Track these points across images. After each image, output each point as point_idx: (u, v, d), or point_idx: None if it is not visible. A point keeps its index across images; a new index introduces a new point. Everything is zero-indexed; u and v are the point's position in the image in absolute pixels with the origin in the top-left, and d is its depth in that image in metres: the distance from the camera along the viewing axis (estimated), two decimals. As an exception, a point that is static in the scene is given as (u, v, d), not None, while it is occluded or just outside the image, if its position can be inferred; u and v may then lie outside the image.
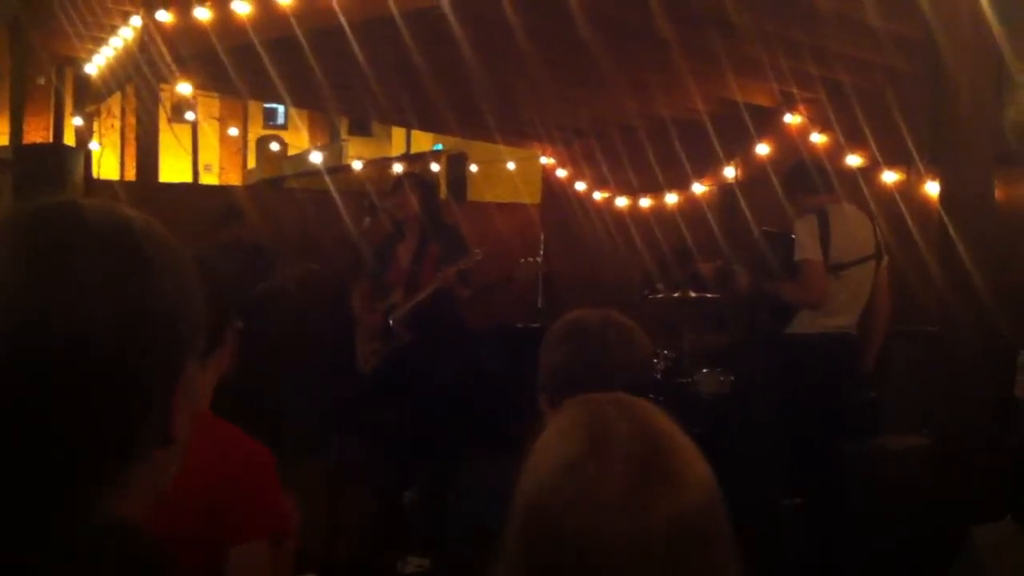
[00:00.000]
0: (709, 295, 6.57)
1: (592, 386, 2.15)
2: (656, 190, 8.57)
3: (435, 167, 16.11)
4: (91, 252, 0.92)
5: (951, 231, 3.89)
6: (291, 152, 31.23)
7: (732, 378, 6.16)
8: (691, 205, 8.31)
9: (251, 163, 32.33)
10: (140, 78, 6.99)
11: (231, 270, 2.25)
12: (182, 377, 0.98)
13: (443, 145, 17.60)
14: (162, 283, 0.95)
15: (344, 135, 30.46)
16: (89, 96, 8.64)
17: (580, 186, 9.53)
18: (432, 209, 5.90)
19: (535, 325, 8.06)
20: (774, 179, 6.07)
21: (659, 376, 6.40)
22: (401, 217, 5.82)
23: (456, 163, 16.55)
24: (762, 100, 7.42)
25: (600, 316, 2.43)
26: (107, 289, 0.90)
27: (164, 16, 6.54)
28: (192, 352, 1.00)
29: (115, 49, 7.46)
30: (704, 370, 6.21)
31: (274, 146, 27.77)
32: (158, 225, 1.01)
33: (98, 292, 0.90)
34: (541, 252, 9.09)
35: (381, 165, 17.26)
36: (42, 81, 13.53)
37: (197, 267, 1.04)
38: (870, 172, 6.63)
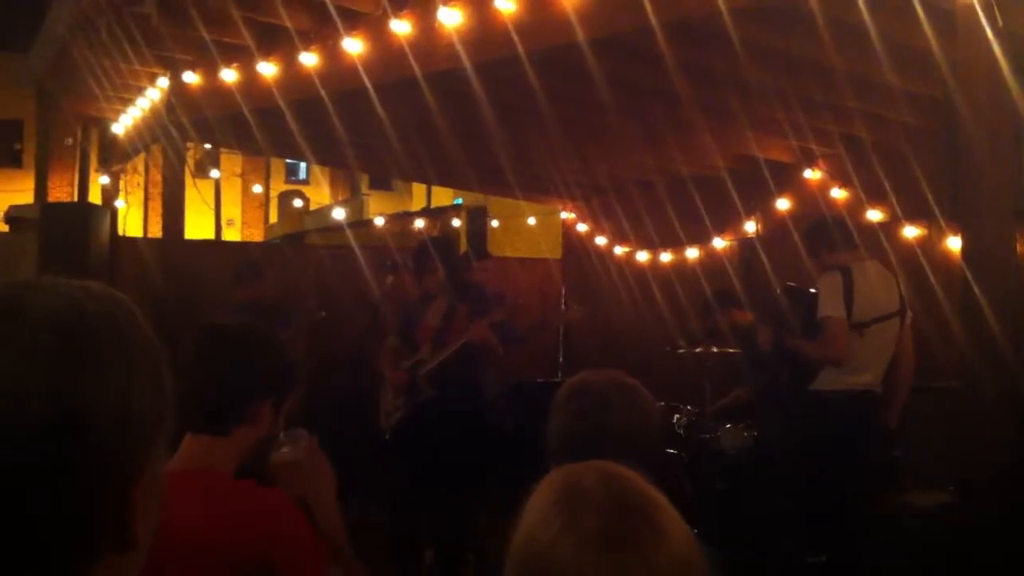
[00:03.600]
0: (731, 350, 6.56)
1: (592, 448, 2.16)
2: (676, 245, 8.59)
3: (456, 222, 16.19)
4: (21, 345, 0.86)
5: (973, 287, 3.87)
6: (312, 207, 31.47)
7: (755, 434, 6.13)
8: (712, 260, 8.33)
9: (273, 218, 32.59)
10: (167, 138, 7.09)
11: (275, 346, 2.34)
12: (141, 476, 0.91)
13: (463, 199, 17.70)
14: (106, 378, 0.88)
15: (365, 190, 30.67)
16: (115, 155, 8.75)
17: (600, 241, 9.56)
18: (456, 270, 5.97)
19: (555, 380, 8.07)
20: (795, 234, 6.09)
21: (681, 431, 6.39)
22: (431, 288, 5.90)
23: (476, 217, 16.62)
24: (781, 156, 7.45)
25: (601, 378, 2.41)
26: (36, 385, 0.84)
27: (191, 78, 6.65)
28: (152, 449, 0.93)
29: (142, 110, 7.57)
30: (727, 426, 6.19)
31: (297, 203, 27.98)
32: (123, 312, 0.95)
33: (26, 389, 0.84)
34: (563, 307, 9.13)
35: (403, 220, 17.38)
36: (69, 141, 13.75)
37: (167, 356, 0.97)
38: (891, 227, 6.64)
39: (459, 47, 5.01)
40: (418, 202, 23.44)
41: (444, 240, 7.71)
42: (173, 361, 0.99)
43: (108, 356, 0.90)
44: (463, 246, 15.35)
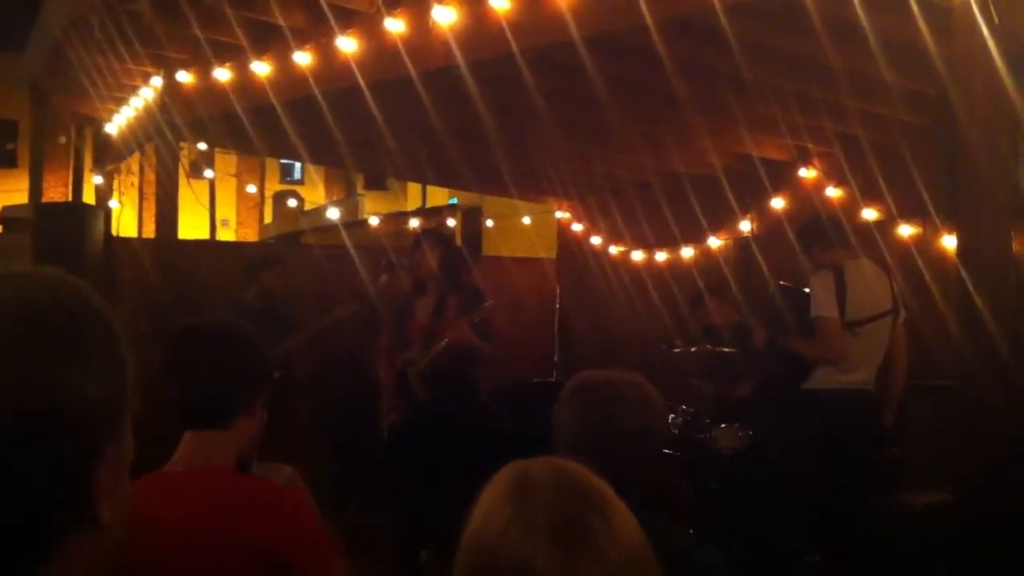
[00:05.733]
0: (726, 349, 6.55)
1: (597, 446, 2.14)
2: (672, 244, 8.58)
3: (451, 222, 16.17)
4: None
5: (969, 285, 3.87)
6: (307, 207, 31.43)
7: (750, 433, 6.12)
8: (707, 259, 8.31)
9: (268, 218, 32.55)
10: (160, 138, 7.07)
11: (262, 341, 2.42)
12: (102, 459, 0.92)
13: (458, 199, 17.69)
14: (63, 368, 0.89)
15: (360, 190, 30.62)
16: (109, 155, 8.72)
17: (596, 240, 9.55)
18: (451, 265, 5.94)
19: (550, 379, 8.05)
20: (790, 233, 6.08)
21: (677, 431, 6.37)
22: (421, 274, 5.87)
23: (471, 217, 16.61)
24: (776, 154, 7.45)
25: (608, 376, 2.37)
26: (6, 371, 0.86)
27: (184, 77, 6.62)
28: (114, 433, 0.95)
29: (136, 109, 7.55)
30: (723, 425, 6.17)
31: (292, 202, 27.93)
32: (91, 301, 0.96)
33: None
34: (557, 306, 9.12)
35: (397, 220, 17.36)
36: (63, 140, 13.68)
37: (125, 344, 0.98)
38: (886, 226, 6.63)
39: (454, 45, 5.00)
40: (413, 202, 23.43)
41: (440, 231, 7.69)
42: (167, 358, 0.99)
43: (64, 345, 0.90)
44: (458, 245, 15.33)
